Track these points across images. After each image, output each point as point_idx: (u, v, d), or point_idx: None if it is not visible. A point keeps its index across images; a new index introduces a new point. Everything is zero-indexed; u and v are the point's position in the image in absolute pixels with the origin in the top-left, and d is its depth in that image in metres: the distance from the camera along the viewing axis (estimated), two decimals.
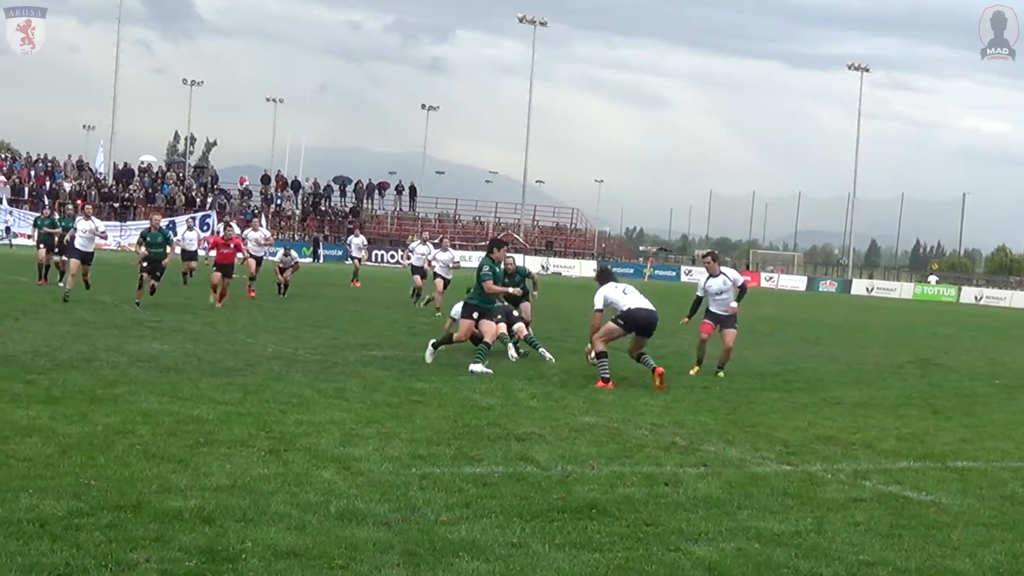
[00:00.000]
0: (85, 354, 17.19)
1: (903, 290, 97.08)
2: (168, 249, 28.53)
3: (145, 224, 33.00)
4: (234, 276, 31.24)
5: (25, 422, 11.31)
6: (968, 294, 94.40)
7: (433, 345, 19.19)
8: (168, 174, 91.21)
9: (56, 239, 34.41)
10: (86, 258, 29.58)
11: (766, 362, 23.14)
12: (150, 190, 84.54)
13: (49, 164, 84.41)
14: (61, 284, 31.31)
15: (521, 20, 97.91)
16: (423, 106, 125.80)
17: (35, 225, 35.15)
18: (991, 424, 15.91)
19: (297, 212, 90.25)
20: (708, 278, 20.63)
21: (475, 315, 18.95)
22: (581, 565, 7.64)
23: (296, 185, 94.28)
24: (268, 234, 38.79)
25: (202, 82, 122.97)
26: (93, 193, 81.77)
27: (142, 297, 27.33)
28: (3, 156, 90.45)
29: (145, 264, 27.98)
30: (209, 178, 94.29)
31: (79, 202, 34.97)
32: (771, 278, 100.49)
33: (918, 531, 9.21)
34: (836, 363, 24.31)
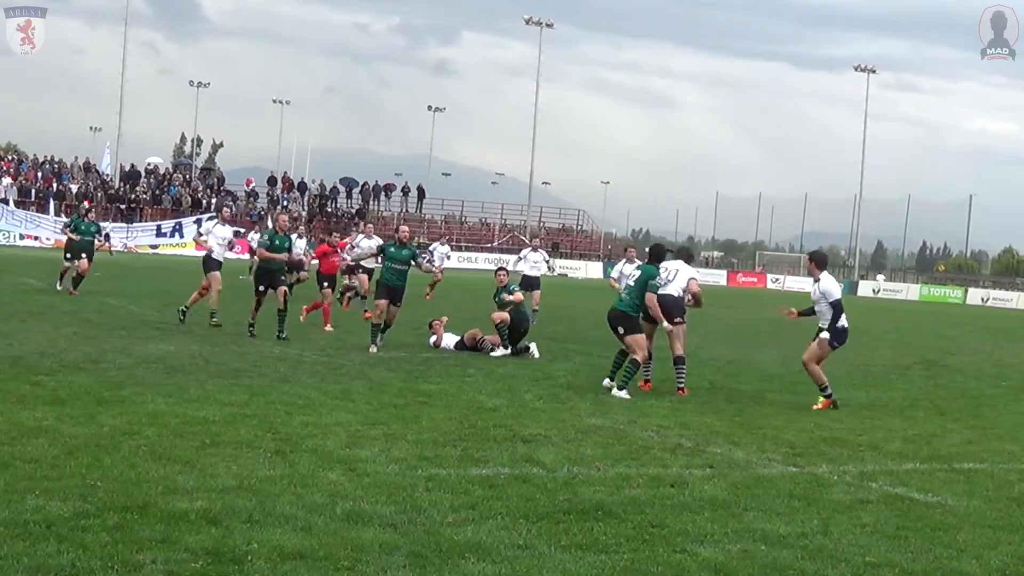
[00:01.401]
0: (92, 355, 17.20)
1: (909, 291, 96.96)
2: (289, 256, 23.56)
3: (214, 224, 26.79)
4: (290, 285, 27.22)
5: (31, 423, 11.33)
6: (975, 295, 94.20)
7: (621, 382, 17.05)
8: (174, 175, 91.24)
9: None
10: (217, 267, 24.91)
11: (772, 364, 23.12)
12: (156, 191, 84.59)
13: (56, 166, 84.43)
14: (60, 288, 30.96)
15: (527, 22, 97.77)
16: (429, 107, 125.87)
17: (75, 230, 32.08)
18: (998, 426, 15.90)
19: (303, 214, 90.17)
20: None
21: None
22: (587, 566, 7.64)
23: (302, 187, 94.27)
24: (382, 242, 35.19)
25: (208, 83, 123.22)
26: (99, 195, 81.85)
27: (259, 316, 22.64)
28: (9, 158, 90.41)
29: (260, 274, 23.15)
30: (216, 179, 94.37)
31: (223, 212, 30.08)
32: (778, 280, 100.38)
33: (924, 533, 9.21)
34: (842, 365, 24.26)
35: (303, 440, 11.39)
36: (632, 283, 17.50)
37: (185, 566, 7.09)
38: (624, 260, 28.79)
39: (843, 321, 17.13)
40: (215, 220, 27.60)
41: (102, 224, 37.16)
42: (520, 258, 33.28)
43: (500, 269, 24.02)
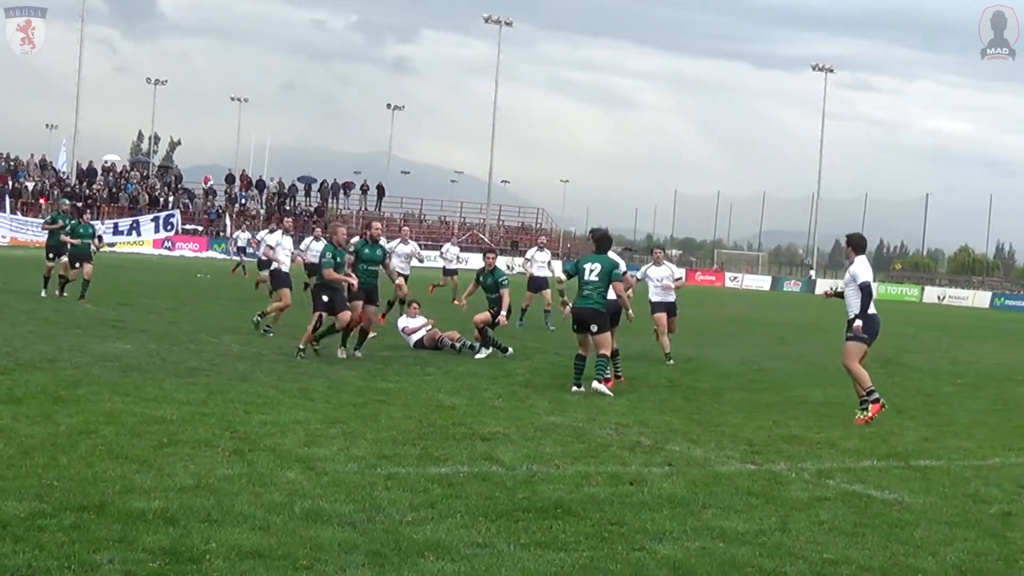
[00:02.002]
0: (48, 354, 17.08)
1: None
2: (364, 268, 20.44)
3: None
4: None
5: None
6: (931, 294, 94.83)
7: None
8: (132, 173, 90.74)
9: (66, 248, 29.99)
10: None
11: (731, 362, 23.20)
12: (113, 189, 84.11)
13: (11, 163, 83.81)
14: (45, 295, 28.99)
15: (487, 20, 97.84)
16: (388, 105, 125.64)
17: (73, 234, 29.91)
18: (953, 423, 16.01)
19: (262, 212, 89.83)
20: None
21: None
22: (546, 564, 7.64)
23: (261, 184, 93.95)
24: (417, 247, 32.43)
25: (166, 81, 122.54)
26: (56, 192, 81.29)
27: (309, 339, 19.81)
28: None
29: (316, 286, 20.43)
30: (173, 177, 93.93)
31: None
32: (736, 278, 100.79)
33: (881, 529, 9.26)
34: (801, 363, 24.42)
35: (261, 439, 11.35)
36: (596, 278, 17.16)
37: (142, 566, 7.05)
38: (651, 263, 26.91)
39: (872, 309, 16.15)
40: (279, 231, 26.50)
41: (95, 224, 35.22)
42: (528, 259, 32.18)
43: (489, 251, 24.37)
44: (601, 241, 17.85)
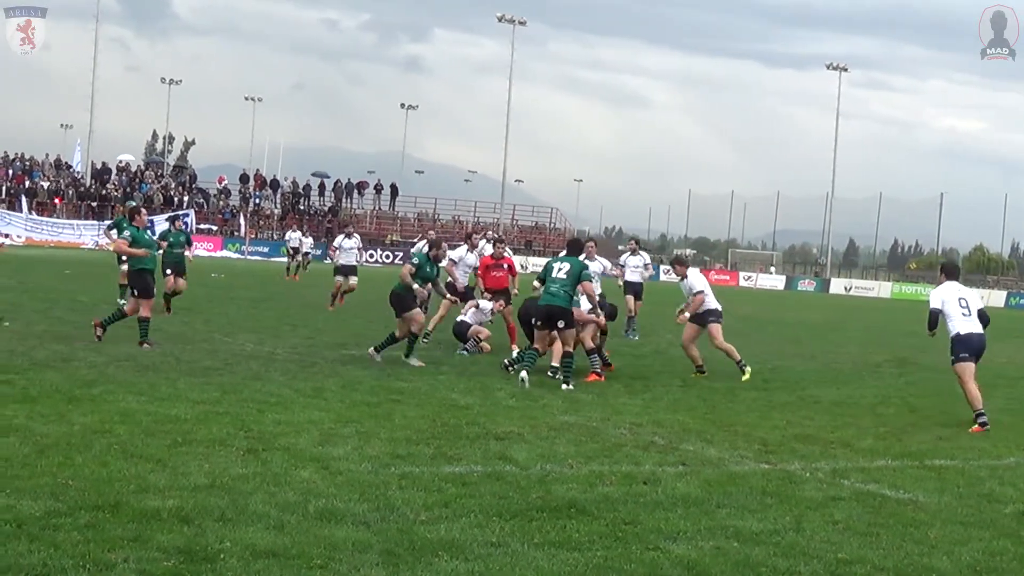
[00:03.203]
0: (63, 354, 17.12)
1: (881, 289, 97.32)
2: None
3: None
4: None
5: (2, 422, 11.27)
6: None
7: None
8: (146, 173, 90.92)
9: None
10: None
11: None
12: (128, 189, 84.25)
13: (27, 163, 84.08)
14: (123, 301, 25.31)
15: (500, 19, 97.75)
16: (402, 105, 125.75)
17: (164, 239, 27.34)
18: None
19: (276, 211, 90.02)
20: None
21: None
22: (560, 564, 7.64)
23: (275, 184, 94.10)
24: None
25: (180, 81, 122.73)
26: (71, 192, 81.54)
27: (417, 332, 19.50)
28: None
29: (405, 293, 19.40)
30: (187, 177, 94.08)
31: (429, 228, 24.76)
32: (750, 277, 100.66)
33: (896, 529, 9.25)
34: (814, 362, 24.37)
35: (275, 438, 11.37)
36: (564, 276, 17.74)
37: (157, 565, 7.07)
38: (628, 252, 29.59)
39: (951, 328, 16.32)
40: (463, 246, 25.74)
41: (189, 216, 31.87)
42: (621, 264, 29.68)
43: (498, 240, 24.63)
44: (571, 245, 19.16)
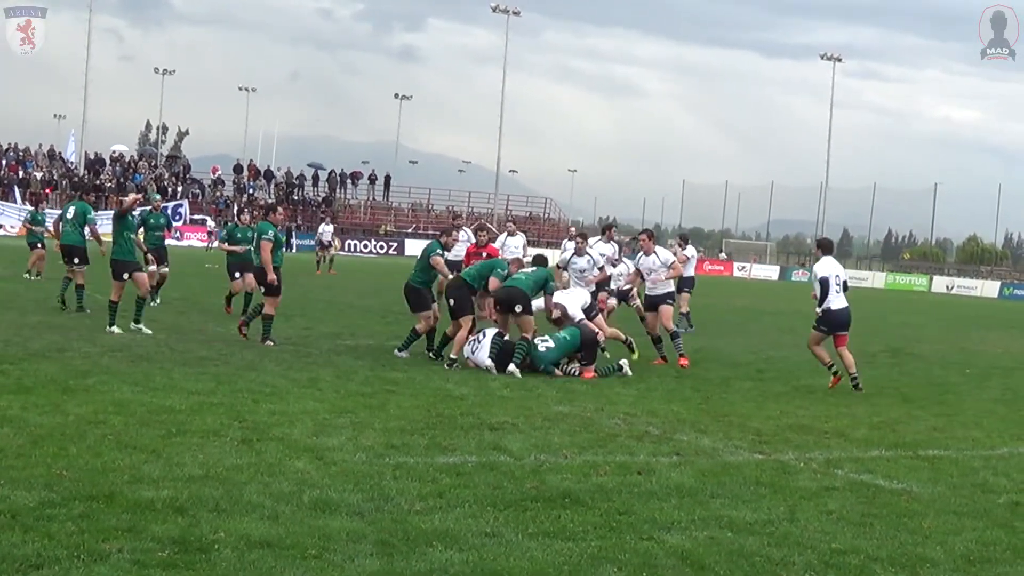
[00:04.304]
0: (57, 344, 17.11)
1: (875, 279, 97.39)
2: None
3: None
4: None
5: None
6: (939, 283, 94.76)
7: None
8: (140, 163, 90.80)
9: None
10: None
11: (739, 351, 23.21)
12: (122, 179, 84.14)
13: (20, 153, 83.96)
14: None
15: (494, 9, 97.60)
16: (396, 95, 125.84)
17: (231, 239, 25.51)
18: (962, 413, 16.00)
19: (270, 201, 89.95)
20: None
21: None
22: (554, 554, 7.65)
23: (269, 174, 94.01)
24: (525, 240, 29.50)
25: (174, 71, 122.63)
26: (64, 182, 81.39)
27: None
28: None
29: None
30: (181, 167, 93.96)
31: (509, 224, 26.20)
32: (744, 268, 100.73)
33: (890, 519, 9.26)
34: (808, 352, 24.36)
35: (270, 428, 11.37)
36: (531, 270, 18.28)
37: (152, 555, 7.07)
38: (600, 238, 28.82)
39: (839, 303, 18.03)
40: (519, 233, 26.61)
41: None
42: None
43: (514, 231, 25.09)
44: (536, 259, 19.17)
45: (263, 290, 19.47)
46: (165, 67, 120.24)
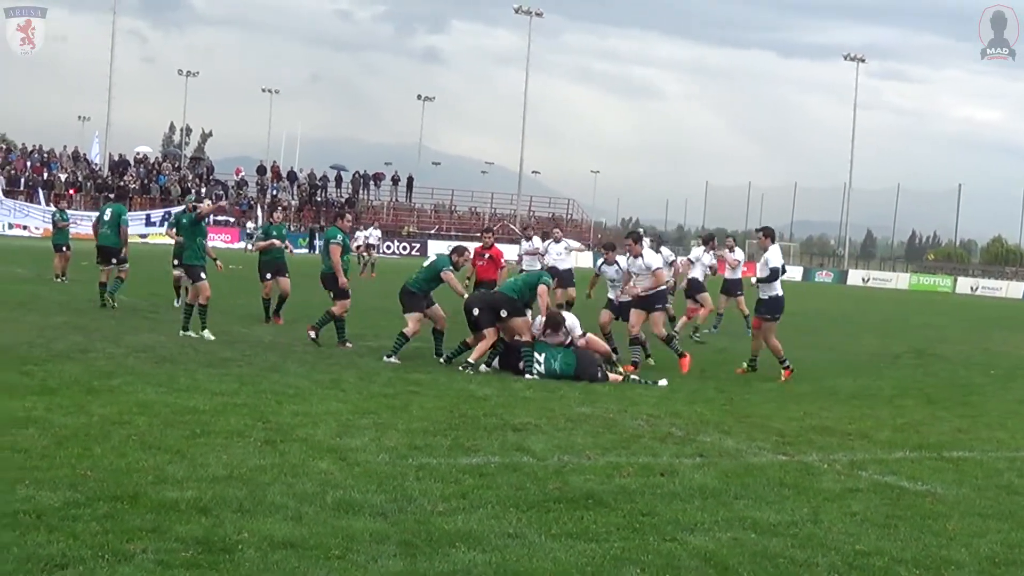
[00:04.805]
0: (81, 345, 17.17)
1: (899, 280, 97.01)
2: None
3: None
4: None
5: (21, 413, 11.30)
6: (964, 284, 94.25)
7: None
8: (164, 165, 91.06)
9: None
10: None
11: (762, 353, 23.12)
12: (146, 181, 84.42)
13: (45, 155, 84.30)
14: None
15: (517, 11, 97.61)
16: (418, 96, 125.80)
17: (265, 237, 24.57)
18: (986, 414, 15.93)
19: (293, 203, 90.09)
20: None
21: None
22: (577, 555, 7.64)
23: (292, 175, 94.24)
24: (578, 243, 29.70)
25: (197, 73, 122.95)
26: (89, 184, 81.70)
27: None
28: None
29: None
30: (205, 169, 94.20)
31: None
32: None
33: (914, 521, 9.23)
34: (832, 353, 24.32)
35: (293, 429, 11.39)
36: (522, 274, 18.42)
37: (175, 555, 7.09)
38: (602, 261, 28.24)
39: (775, 289, 18.95)
40: (703, 247, 26.37)
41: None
42: (693, 260, 26.95)
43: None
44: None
45: (331, 294, 19.69)
46: (188, 69, 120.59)
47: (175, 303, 24.46)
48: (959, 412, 15.99)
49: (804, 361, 21.91)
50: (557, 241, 27.27)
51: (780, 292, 18.80)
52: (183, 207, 25.43)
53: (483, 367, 17.25)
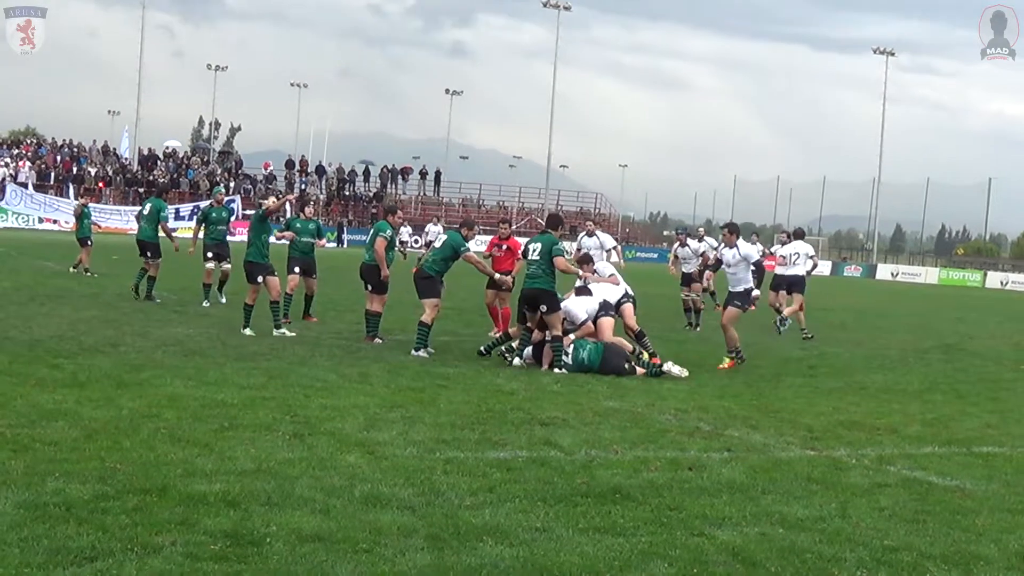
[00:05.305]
0: (111, 339, 17.25)
1: (928, 275, 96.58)
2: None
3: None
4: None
5: (51, 406, 11.37)
6: (994, 279, 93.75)
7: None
8: (193, 159, 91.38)
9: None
10: None
11: (791, 347, 23.08)
12: (175, 175, 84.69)
13: (75, 149, 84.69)
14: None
15: (545, 4, 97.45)
16: (446, 91, 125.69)
17: (204, 221, 25.32)
18: (1016, 410, 15.85)
19: (322, 197, 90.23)
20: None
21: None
22: (605, 550, 7.64)
23: (320, 170, 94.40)
24: (613, 241, 27.99)
25: (226, 67, 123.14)
26: (119, 179, 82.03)
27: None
28: (28, 141, 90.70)
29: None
30: (234, 163, 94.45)
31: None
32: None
33: (943, 517, 9.19)
34: (861, 348, 24.22)
35: (321, 423, 11.42)
36: (538, 257, 17.35)
37: (204, 548, 7.12)
38: (676, 244, 28.65)
39: (748, 280, 19.05)
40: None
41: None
42: (782, 256, 27.36)
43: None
44: (549, 220, 18.84)
45: (370, 288, 19.75)
46: (217, 63, 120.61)
47: (204, 303, 24.08)
48: (988, 407, 15.91)
49: (833, 356, 21.88)
50: (590, 235, 26.34)
51: (751, 284, 18.96)
52: (209, 201, 25.40)
53: (516, 360, 17.26)
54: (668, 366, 16.90)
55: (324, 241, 23.92)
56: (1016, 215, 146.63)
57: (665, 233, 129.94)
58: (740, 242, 19.35)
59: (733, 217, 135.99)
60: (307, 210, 24.07)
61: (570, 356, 16.93)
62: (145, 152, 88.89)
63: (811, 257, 27.22)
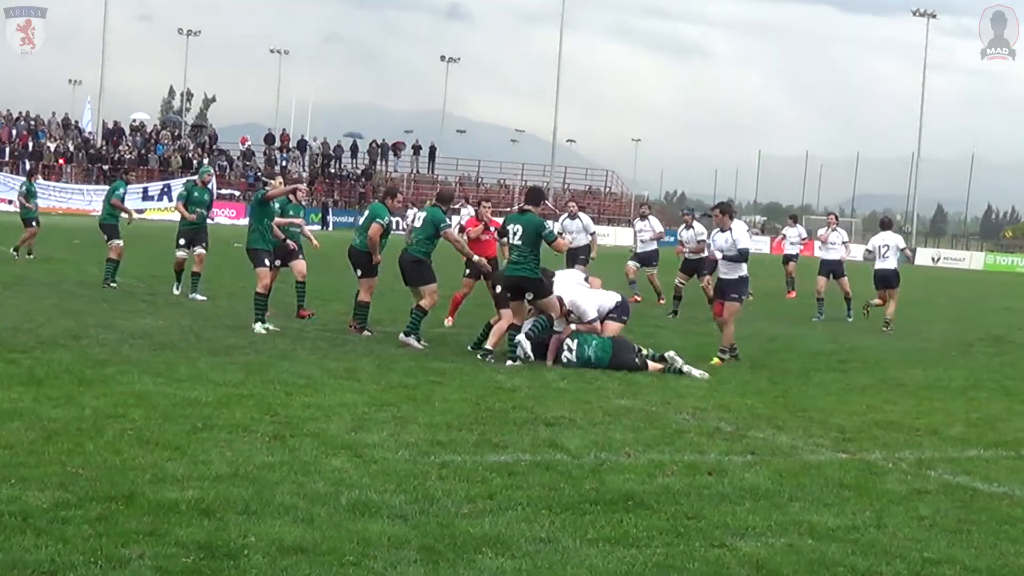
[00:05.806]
0: (72, 330, 17.25)
1: (973, 260, 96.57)
2: None
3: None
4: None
5: (6, 405, 11.37)
6: None
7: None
8: (163, 133, 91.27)
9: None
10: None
11: (820, 340, 23.10)
12: (143, 151, 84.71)
13: (32, 122, 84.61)
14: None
15: None
16: (442, 58, 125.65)
17: (183, 200, 25.25)
18: None
19: (304, 175, 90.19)
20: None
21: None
22: (616, 562, 7.65)
23: (303, 145, 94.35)
24: (659, 226, 30.32)
25: (199, 32, 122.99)
26: (81, 154, 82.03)
27: None
28: None
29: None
30: (207, 138, 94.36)
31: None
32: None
33: (988, 526, 9.20)
34: (898, 341, 24.23)
35: (304, 423, 11.43)
36: (519, 242, 17.07)
37: (175, 561, 7.12)
38: (683, 225, 29.01)
39: (743, 269, 18.82)
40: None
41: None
42: (827, 243, 31.80)
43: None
44: (529, 195, 18.40)
45: (358, 271, 19.62)
46: (189, 28, 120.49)
47: (174, 289, 24.13)
48: None
49: (866, 350, 21.88)
50: (572, 217, 26.96)
51: (746, 272, 18.84)
52: (193, 178, 25.21)
53: (508, 362, 17.04)
54: (688, 368, 16.74)
55: (303, 223, 23.68)
56: None
57: (693, 215, 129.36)
58: (735, 224, 18.94)
59: (757, 196, 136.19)
60: (299, 194, 23.97)
61: (574, 353, 16.87)
62: (110, 126, 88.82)
63: (902, 250, 27.64)
